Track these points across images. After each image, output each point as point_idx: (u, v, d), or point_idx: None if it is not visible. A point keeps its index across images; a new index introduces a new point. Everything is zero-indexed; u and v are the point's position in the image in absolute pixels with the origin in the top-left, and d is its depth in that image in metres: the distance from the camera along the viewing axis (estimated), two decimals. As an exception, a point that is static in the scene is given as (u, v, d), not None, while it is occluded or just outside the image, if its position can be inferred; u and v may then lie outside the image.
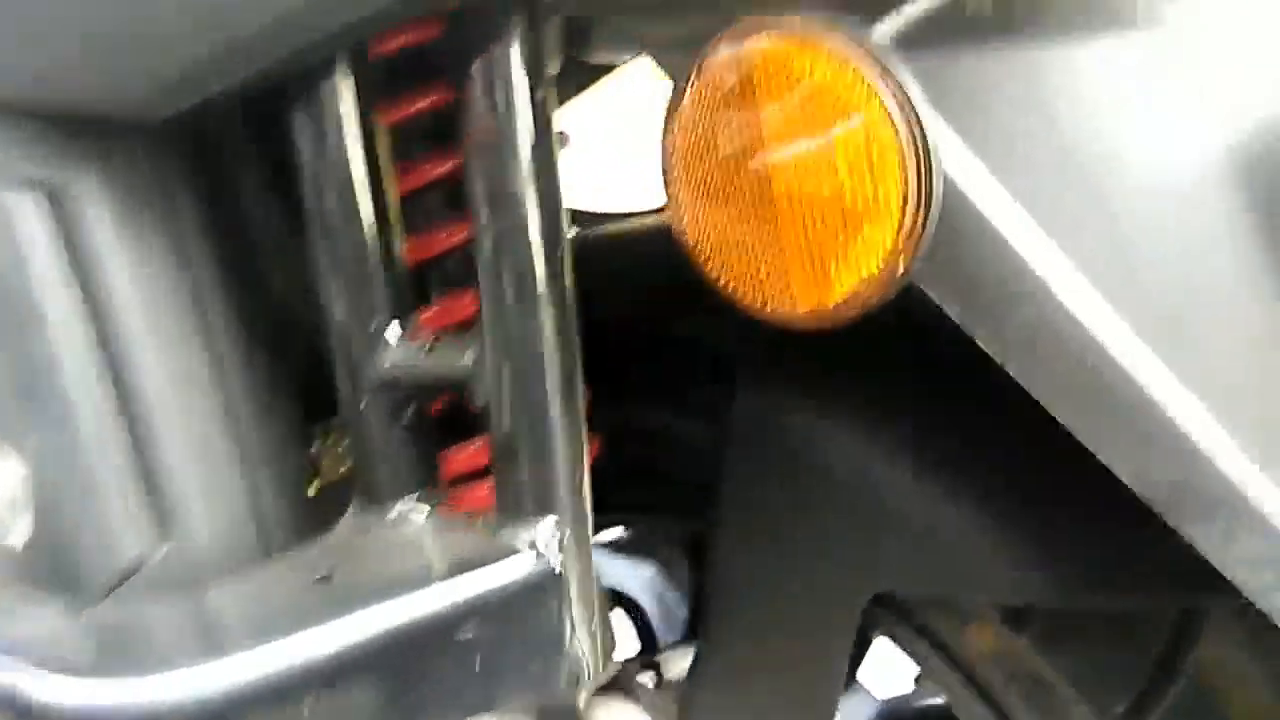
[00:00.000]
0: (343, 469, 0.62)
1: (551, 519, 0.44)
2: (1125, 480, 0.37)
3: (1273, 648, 0.53)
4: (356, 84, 0.45)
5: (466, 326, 0.49)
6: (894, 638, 0.62)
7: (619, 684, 0.64)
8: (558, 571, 0.43)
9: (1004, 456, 0.52)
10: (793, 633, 0.60)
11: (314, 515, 0.57)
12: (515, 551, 0.43)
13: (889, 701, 0.79)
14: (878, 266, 0.34)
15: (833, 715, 0.62)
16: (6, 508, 0.52)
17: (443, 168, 0.49)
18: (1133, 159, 0.37)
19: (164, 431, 0.51)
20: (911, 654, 0.62)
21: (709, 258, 0.39)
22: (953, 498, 0.53)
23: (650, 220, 0.68)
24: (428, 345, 0.46)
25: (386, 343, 0.47)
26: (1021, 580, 0.51)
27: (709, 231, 0.38)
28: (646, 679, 0.66)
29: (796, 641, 0.60)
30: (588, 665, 0.45)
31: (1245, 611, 0.53)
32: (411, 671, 0.43)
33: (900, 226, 0.33)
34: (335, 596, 0.44)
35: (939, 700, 0.79)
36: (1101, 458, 0.37)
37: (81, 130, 0.49)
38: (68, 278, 0.50)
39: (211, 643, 0.42)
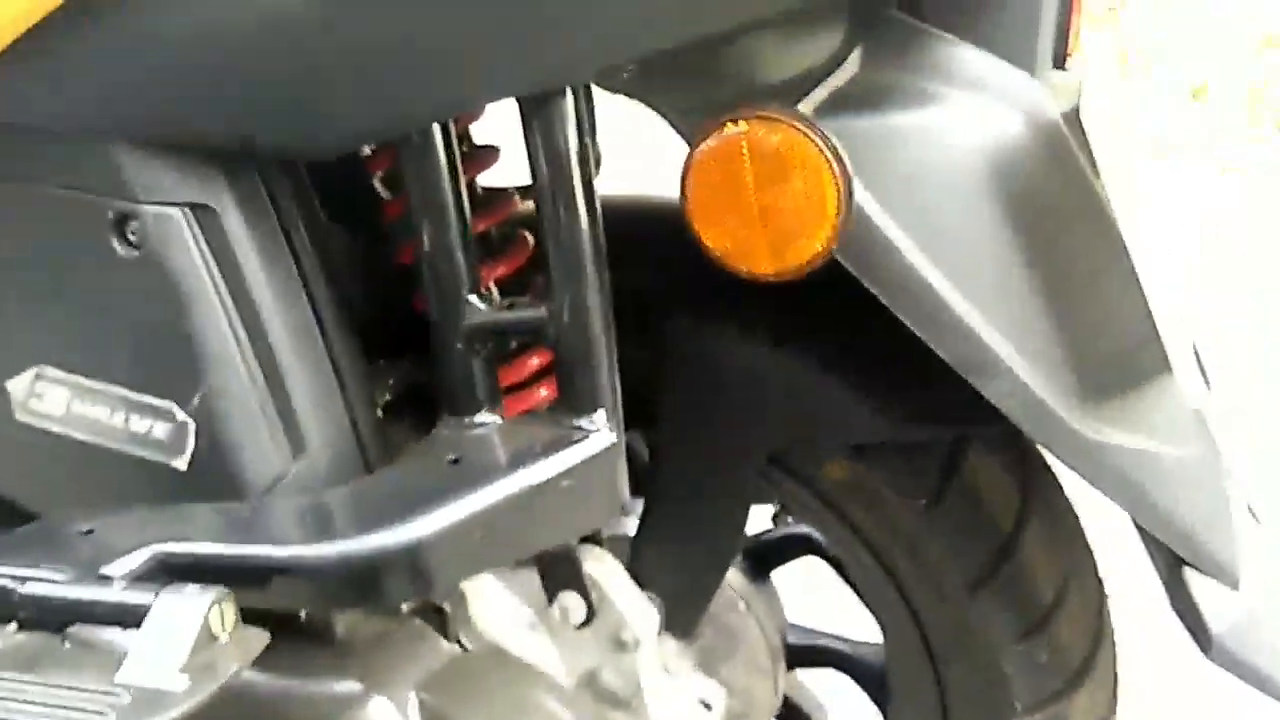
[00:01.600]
0: (385, 398, 0.83)
1: (603, 410, 0.69)
2: (943, 355, 0.66)
3: (1012, 464, 0.87)
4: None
5: (521, 277, 0.73)
6: (769, 480, 0.91)
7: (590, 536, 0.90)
8: (615, 442, 0.68)
9: (850, 350, 0.82)
10: (712, 490, 0.88)
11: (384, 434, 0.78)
12: (586, 433, 0.68)
13: (749, 538, 1.09)
14: (821, 245, 0.62)
15: (740, 542, 0.92)
16: (172, 446, 0.71)
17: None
18: (944, 178, 0.66)
19: (290, 375, 0.71)
20: (784, 494, 0.92)
21: (711, 243, 0.64)
22: (817, 379, 0.82)
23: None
24: (507, 304, 0.69)
25: (472, 304, 0.70)
26: (863, 424, 0.81)
27: (712, 227, 0.64)
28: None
29: (715, 496, 0.88)
30: (627, 500, 0.71)
31: (993, 438, 0.87)
32: (533, 513, 0.67)
33: (835, 223, 0.61)
34: (472, 472, 0.67)
35: (786, 532, 1.11)
36: (930, 344, 0.66)
37: (225, 163, 0.67)
38: (215, 275, 0.68)
39: (401, 507, 0.64)
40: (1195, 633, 0.72)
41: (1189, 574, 0.72)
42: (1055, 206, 0.70)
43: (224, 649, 0.58)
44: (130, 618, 0.60)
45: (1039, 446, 0.86)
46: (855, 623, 1.08)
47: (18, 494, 0.79)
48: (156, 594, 0.60)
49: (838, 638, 1.13)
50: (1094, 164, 0.72)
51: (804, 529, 1.11)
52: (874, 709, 1.10)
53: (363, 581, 0.64)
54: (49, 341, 0.73)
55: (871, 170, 0.63)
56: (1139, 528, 0.74)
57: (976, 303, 0.66)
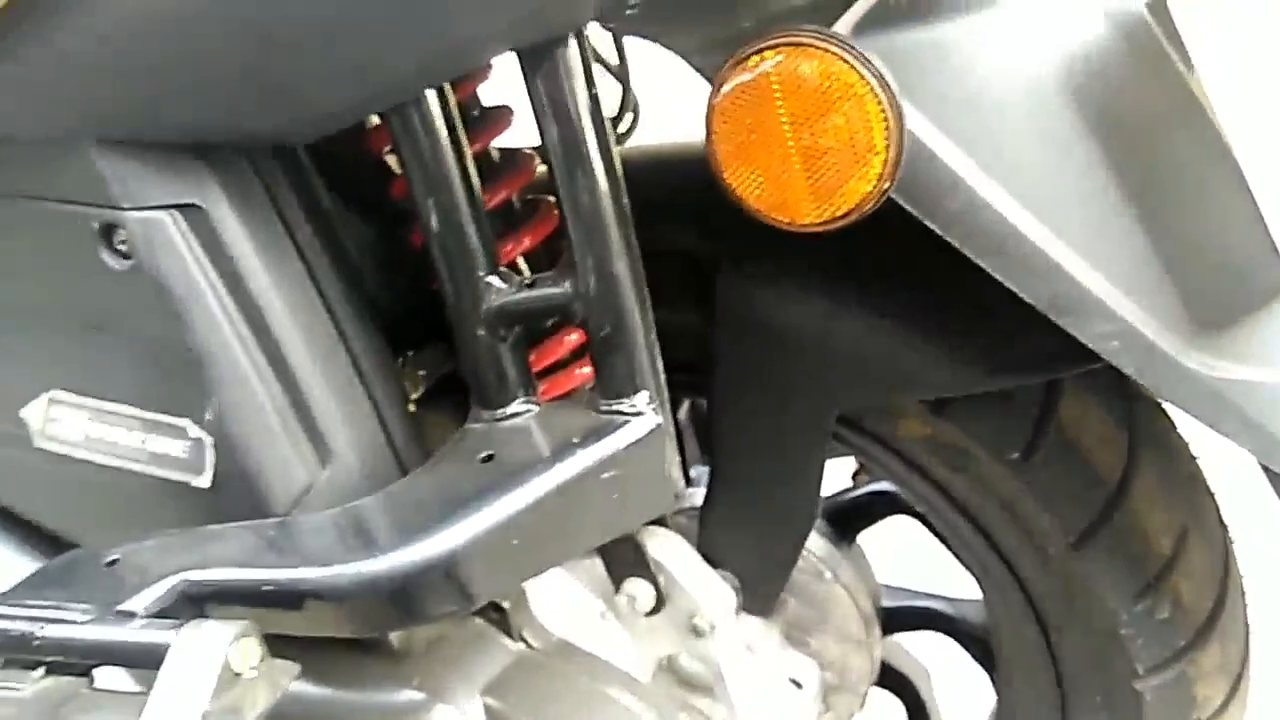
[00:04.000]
0: (419, 391, 0.77)
1: (646, 391, 0.62)
2: (1027, 298, 0.58)
3: (1115, 405, 0.78)
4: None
5: (541, 254, 0.66)
6: (843, 441, 0.84)
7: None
8: (660, 425, 0.62)
9: (919, 298, 0.73)
10: (781, 455, 0.80)
11: (418, 431, 0.73)
12: (627, 418, 0.61)
13: (830, 498, 1.02)
14: (872, 186, 0.54)
15: (816, 511, 0.84)
16: (192, 464, 0.66)
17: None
18: (1010, 93, 0.57)
19: (307, 380, 0.66)
20: (860, 454, 0.84)
21: (744, 194, 0.57)
22: (885, 333, 0.74)
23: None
24: (527, 282, 0.63)
25: (490, 285, 0.63)
26: (940, 379, 0.73)
27: (744, 177, 0.56)
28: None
29: (785, 460, 0.81)
30: (681, 488, 0.64)
31: (1090, 380, 0.77)
32: (575, 510, 0.60)
33: (886, 158, 0.53)
34: (505, 470, 0.61)
35: (870, 489, 1.03)
36: (1011, 286, 0.58)
37: (210, 157, 0.62)
38: (212, 279, 0.63)
39: (431, 517, 0.59)
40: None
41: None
42: (1144, 113, 0.61)
43: (249, 687, 0.53)
44: (151, 658, 0.56)
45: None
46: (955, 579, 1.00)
47: (49, 521, 0.76)
48: (176, 632, 0.56)
49: (937, 597, 1.06)
50: (1187, 59, 0.62)
51: (888, 485, 1.03)
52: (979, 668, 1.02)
53: (397, 602, 0.59)
54: (58, 364, 0.69)
55: (923, 92, 0.55)
56: (1268, 472, 0.65)
57: (1061, 233, 0.57)
